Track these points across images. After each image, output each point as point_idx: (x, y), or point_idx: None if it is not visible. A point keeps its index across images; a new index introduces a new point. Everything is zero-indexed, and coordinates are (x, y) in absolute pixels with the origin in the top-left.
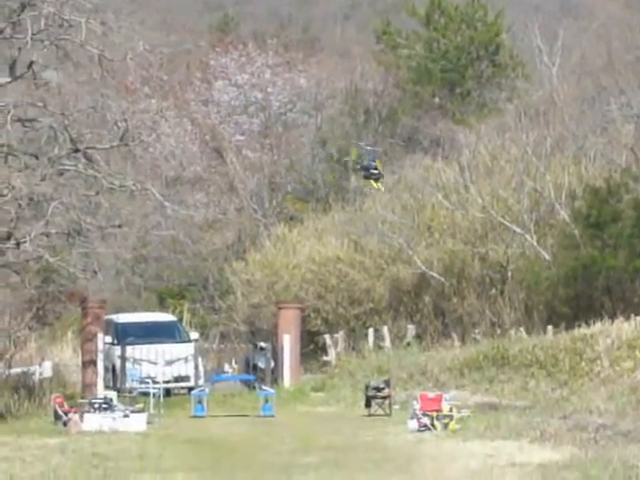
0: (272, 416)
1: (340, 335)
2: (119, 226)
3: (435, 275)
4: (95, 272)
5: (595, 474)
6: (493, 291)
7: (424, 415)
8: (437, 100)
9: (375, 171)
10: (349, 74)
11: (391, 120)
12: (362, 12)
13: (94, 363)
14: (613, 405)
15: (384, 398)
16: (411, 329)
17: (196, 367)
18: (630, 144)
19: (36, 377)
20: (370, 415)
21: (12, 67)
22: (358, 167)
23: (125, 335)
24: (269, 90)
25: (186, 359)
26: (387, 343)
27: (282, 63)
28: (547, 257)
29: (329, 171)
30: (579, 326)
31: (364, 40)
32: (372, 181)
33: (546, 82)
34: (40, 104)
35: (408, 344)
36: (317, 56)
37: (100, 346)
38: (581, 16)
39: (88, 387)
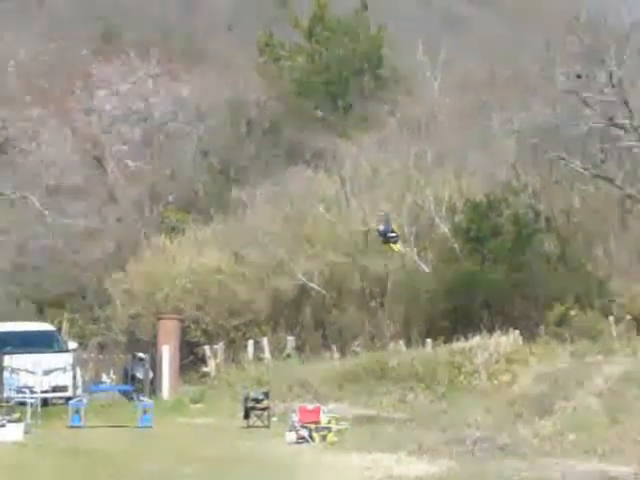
0: (150, 427)
1: (219, 346)
2: None
3: (315, 287)
4: None
5: None
6: (373, 304)
7: (302, 427)
8: (319, 113)
9: (393, 234)
10: (232, 85)
11: (273, 132)
12: (245, 24)
13: None
14: (491, 418)
15: (263, 410)
16: (291, 341)
17: (74, 377)
18: (511, 160)
19: None
20: (249, 427)
21: None
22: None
23: (3, 344)
24: (151, 100)
25: (64, 369)
26: (267, 354)
27: (165, 73)
28: (427, 270)
29: (211, 182)
30: (458, 339)
31: (247, 52)
32: (391, 244)
33: (428, 96)
34: None
35: (288, 356)
36: (200, 66)
37: None
38: (464, 30)
39: None
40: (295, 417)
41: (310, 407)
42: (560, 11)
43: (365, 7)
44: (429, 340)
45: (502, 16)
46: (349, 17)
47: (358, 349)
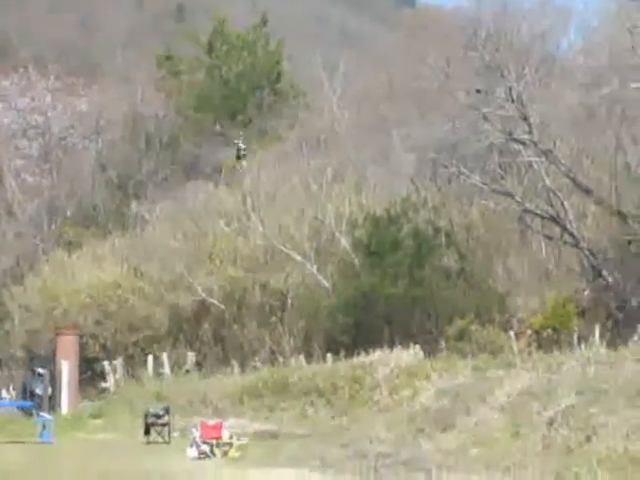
0: (50, 443)
1: (119, 362)
2: None
3: (215, 302)
4: None
5: None
6: (273, 319)
7: (204, 443)
8: (218, 127)
9: (244, 152)
10: (130, 99)
11: (172, 146)
12: (144, 39)
13: None
14: (393, 433)
15: (163, 425)
16: (191, 356)
17: None
18: (410, 174)
19: None
20: (149, 442)
21: None
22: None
23: None
24: (49, 114)
25: None
26: (166, 370)
27: (63, 87)
28: (327, 285)
29: (109, 197)
30: (359, 354)
31: (146, 67)
32: (241, 159)
33: (327, 111)
34: None
35: (187, 371)
36: (98, 81)
37: None
38: (362, 45)
39: None
40: (196, 432)
41: (211, 423)
42: (459, 27)
43: (264, 23)
44: (330, 355)
45: (400, 32)
46: (248, 32)
47: (258, 364)
